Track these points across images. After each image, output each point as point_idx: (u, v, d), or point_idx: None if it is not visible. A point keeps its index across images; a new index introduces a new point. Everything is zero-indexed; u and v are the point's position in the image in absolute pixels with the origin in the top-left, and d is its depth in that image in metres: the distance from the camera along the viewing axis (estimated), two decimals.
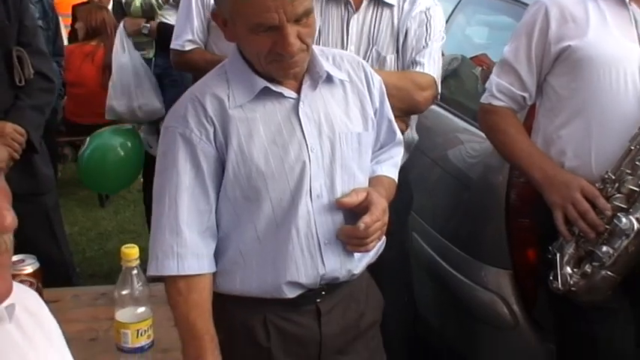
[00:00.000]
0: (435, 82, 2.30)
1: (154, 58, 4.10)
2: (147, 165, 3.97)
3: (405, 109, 2.25)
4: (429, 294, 2.82)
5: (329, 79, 1.60)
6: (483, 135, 2.50)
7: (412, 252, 2.72)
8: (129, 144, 4.07)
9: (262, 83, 1.52)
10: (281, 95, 1.55)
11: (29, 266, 1.76)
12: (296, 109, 1.55)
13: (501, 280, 2.41)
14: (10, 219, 0.82)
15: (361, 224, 1.53)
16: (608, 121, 1.94)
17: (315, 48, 1.57)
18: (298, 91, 1.57)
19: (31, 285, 1.68)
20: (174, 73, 3.88)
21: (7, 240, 0.83)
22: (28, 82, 2.63)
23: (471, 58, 3.27)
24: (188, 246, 1.51)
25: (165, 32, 3.67)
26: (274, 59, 1.47)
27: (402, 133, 2.30)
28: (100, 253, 4.43)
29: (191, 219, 1.52)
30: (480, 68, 3.24)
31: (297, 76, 1.55)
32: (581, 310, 1.99)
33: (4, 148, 2.46)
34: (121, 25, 4.14)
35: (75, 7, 5.60)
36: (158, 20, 3.99)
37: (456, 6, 3.38)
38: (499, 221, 2.39)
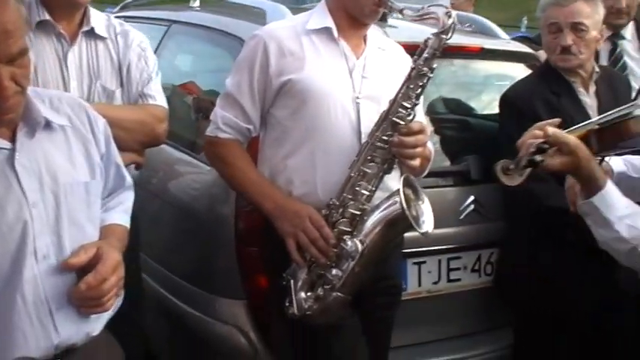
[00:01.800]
0: (168, 113, 2.29)
1: None
2: None
3: (147, 143, 2.25)
4: (163, 334, 2.71)
5: (48, 125, 1.44)
6: (204, 165, 2.49)
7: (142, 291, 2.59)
8: None
9: None
10: None
11: None
12: (11, 161, 1.38)
13: (236, 311, 2.41)
14: None
15: (82, 285, 1.41)
16: (329, 149, 2.05)
17: (29, 90, 1.41)
18: (12, 141, 1.39)
19: None
20: None
21: None
22: None
23: (179, 86, 3.25)
24: None
25: None
26: None
27: (140, 167, 2.23)
28: None
29: None
30: (192, 97, 3.24)
31: (12, 123, 1.37)
32: (317, 332, 2.06)
33: None
34: None
35: None
36: None
37: (164, 35, 3.34)
38: (229, 251, 2.40)
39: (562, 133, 1.69)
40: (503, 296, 2.74)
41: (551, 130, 1.69)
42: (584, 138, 1.71)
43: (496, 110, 2.73)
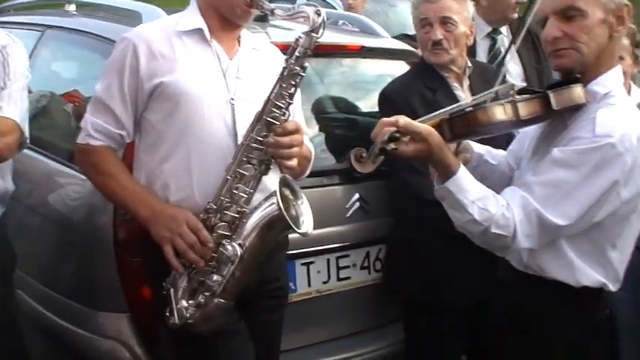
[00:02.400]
0: (19, 125, 2.14)
1: None
2: None
3: None
4: (43, 353, 2.59)
5: None
6: (82, 176, 2.40)
7: (18, 311, 2.47)
8: None
9: None
10: None
11: None
12: None
13: (120, 324, 2.33)
14: None
15: None
16: (205, 152, 2.01)
17: None
18: None
19: None
20: None
21: None
22: None
23: (62, 95, 3.12)
24: None
25: None
26: None
27: None
28: None
29: None
30: (72, 105, 3.12)
31: None
32: (201, 340, 2.01)
33: None
34: None
35: None
36: None
37: (38, 41, 3.19)
38: (109, 262, 2.31)
39: (413, 123, 1.74)
40: (393, 291, 2.76)
41: (402, 121, 1.73)
42: (437, 127, 1.77)
43: (377, 107, 2.76)
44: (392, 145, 1.72)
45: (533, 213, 1.74)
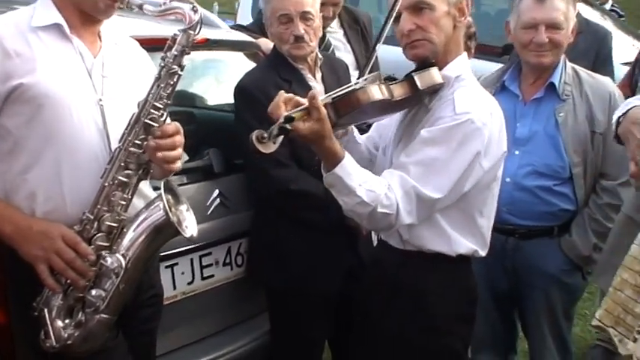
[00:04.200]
0: None
1: None
2: None
3: None
4: None
5: None
6: None
7: None
8: None
9: None
10: None
11: None
12: None
13: None
14: None
15: None
16: (76, 159, 1.86)
17: None
18: None
19: None
20: None
21: None
22: None
23: None
24: None
25: None
26: None
27: None
28: None
29: None
30: None
31: None
32: None
33: None
34: None
35: None
36: None
37: None
38: None
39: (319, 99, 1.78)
40: (256, 282, 2.76)
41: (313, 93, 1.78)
42: None
43: (227, 100, 2.71)
44: (289, 126, 1.74)
45: (412, 190, 1.87)
